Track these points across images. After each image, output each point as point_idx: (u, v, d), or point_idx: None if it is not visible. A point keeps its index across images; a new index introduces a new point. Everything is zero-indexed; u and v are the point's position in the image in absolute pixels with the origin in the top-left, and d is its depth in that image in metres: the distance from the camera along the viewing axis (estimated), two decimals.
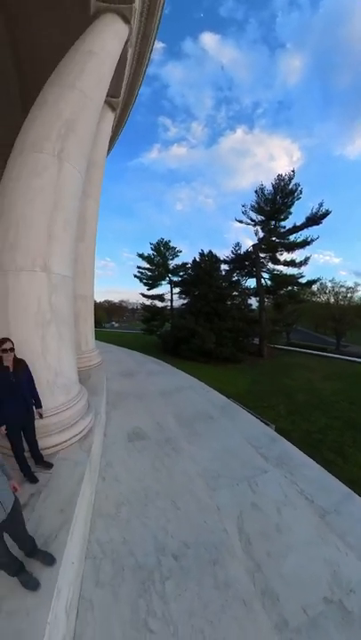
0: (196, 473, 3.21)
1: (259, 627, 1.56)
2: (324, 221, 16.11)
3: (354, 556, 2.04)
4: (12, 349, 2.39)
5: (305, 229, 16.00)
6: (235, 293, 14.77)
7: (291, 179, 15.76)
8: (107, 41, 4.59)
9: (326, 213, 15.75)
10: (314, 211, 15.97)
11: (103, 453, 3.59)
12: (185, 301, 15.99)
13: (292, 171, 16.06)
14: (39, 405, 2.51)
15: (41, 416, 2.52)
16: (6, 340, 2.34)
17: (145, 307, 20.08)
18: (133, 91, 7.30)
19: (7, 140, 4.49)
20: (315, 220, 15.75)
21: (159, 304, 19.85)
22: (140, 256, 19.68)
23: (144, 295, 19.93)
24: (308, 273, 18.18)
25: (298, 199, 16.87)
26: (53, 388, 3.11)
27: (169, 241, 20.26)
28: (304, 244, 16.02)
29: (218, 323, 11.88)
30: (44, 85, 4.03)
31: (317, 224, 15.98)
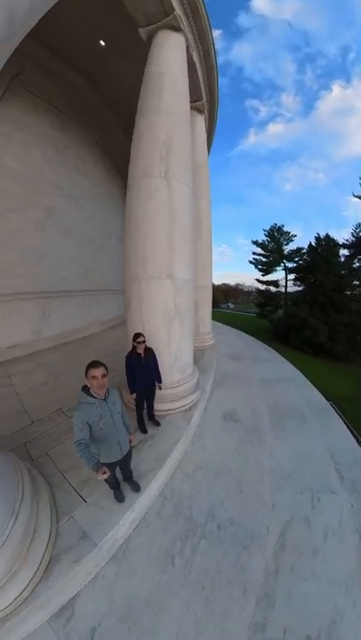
0: (269, 467, 3.39)
1: (240, 616, 1.83)
2: None
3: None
4: (144, 341, 3.18)
5: None
6: (355, 282, 12.08)
7: None
8: (170, 57, 4.52)
9: None
10: None
11: (200, 424, 4.15)
12: (300, 288, 14.42)
13: None
14: (160, 381, 3.36)
15: (160, 389, 3.41)
16: (140, 334, 3.16)
17: (259, 291, 19.65)
18: (213, 87, 6.92)
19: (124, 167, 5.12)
20: None
21: (273, 289, 18.95)
22: (255, 243, 19.11)
23: (259, 281, 19.59)
24: None
25: None
26: (173, 369, 3.95)
27: (282, 226, 18.66)
28: None
29: (333, 315, 10.39)
30: (136, 117, 4.31)
31: None
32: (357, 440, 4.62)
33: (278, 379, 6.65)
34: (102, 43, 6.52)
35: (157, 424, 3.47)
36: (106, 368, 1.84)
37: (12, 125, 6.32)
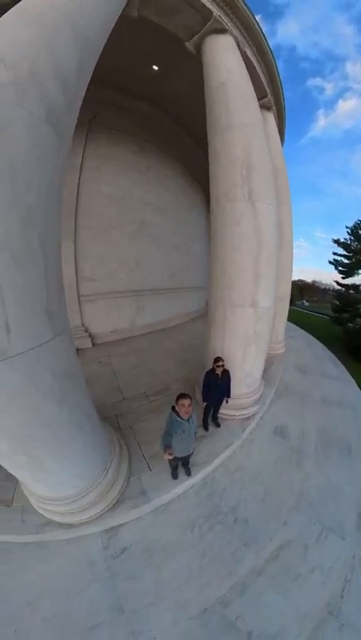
0: (298, 490, 3.47)
1: (217, 588, 2.27)
2: None
3: None
4: (223, 365, 3.55)
5: None
6: None
7: None
8: (226, 62, 4.16)
9: None
10: None
11: (252, 431, 4.40)
12: None
13: None
14: (229, 396, 3.81)
15: (227, 402, 3.91)
16: (220, 359, 3.56)
17: (337, 294, 16.71)
18: (274, 77, 5.97)
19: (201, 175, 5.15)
20: None
21: (354, 294, 15.77)
22: (336, 242, 16.48)
23: (338, 284, 16.97)
24: None
25: None
26: (242, 384, 4.29)
27: None
28: None
29: None
30: (208, 132, 4.09)
31: None
32: None
33: (339, 402, 6.15)
34: (155, 67, 6.58)
35: (218, 425, 4.09)
36: (191, 399, 2.53)
37: (99, 160, 7.38)
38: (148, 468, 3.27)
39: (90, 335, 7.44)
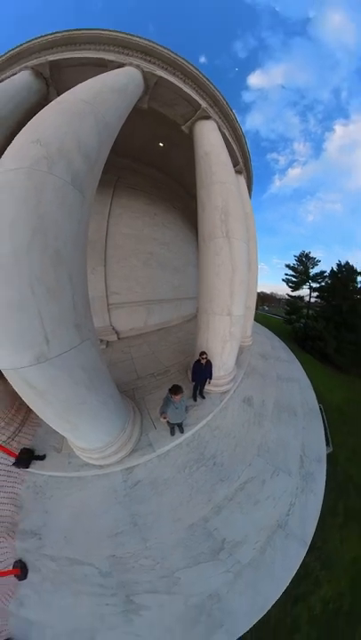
0: (258, 442, 3.44)
1: (200, 510, 2.34)
2: None
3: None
4: (206, 357, 3.60)
5: None
6: None
7: None
8: (210, 138, 4.30)
9: None
10: None
11: (227, 401, 4.33)
12: (321, 304, 12.03)
13: None
14: (211, 378, 3.86)
15: (209, 383, 3.98)
16: (204, 352, 3.62)
17: (288, 302, 17.21)
18: (244, 151, 6.22)
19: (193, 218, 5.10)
20: None
21: (300, 302, 16.56)
22: (287, 266, 17.05)
23: (289, 295, 17.17)
24: None
25: None
26: (220, 369, 4.23)
27: (309, 252, 16.02)
28: None
29: (344, 333, 8.58)
30: (197, 188, 4.06)
31: None
32: (327, 442, 4.18)
33: (288, 378, 6.08)
34: (161, 144, 6.60)
35: (203, 397, 4.08)
36: (182, 393, 2.58)
37: (122, 209, 7.43)
38: (153, 427, 3.31)
39: (115, 332, 7.54)
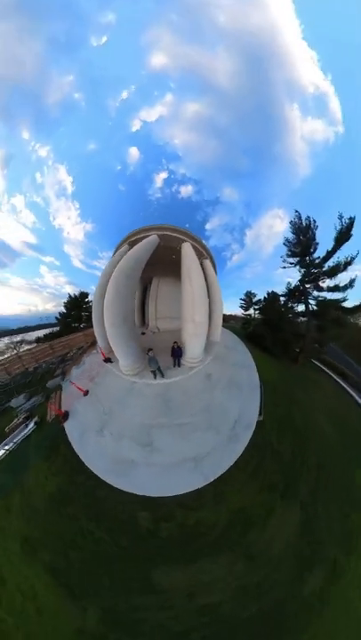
0: (205, 404, 4.64)
1: (188, 450, 3.29)
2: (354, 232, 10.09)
3: None
4: (177, 344, 6.59)
5: (338, 251, 10.88)
6: (290, 316, 12.36)
7: (300, 217, 12.17)
8: (189, 253, 7.75)
9: (351, 224, 10.25)
10: (338, 228, 10.49)
11: (193, 374, 6.06)
12: (261, 317, 19.04)
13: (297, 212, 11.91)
14: (181, 356, 6.78)
15: (181, 359, 7.00)
16: (176, 342, 6.75)
17: (243, 317, 27.14)
18: (207, 250, 10.35)
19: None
20: (343, 236, 10.53)
21: (249, 317, 25.87)
22: (241, 299, 27.37)
23: (243, 313, 27.33)
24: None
25: (316, 229, 11.79)
26: (189, 353, 6.99)
27: (256, 294, 26.35)
28: (341, 267, 10.72)
29: (277, 333, 12.26)
30: (182, 278, 7.80)
31: (348, 239, 10.55)
32: (260, 412, 4.86)
33: (241, 364, 7.90)
34: (173, 256, 9.36)
35: (179, 366, 6.92)
36: (152, 350, 6.16)
37: (161, 282, 14.52)
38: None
39: (158, 330, 13.85)
